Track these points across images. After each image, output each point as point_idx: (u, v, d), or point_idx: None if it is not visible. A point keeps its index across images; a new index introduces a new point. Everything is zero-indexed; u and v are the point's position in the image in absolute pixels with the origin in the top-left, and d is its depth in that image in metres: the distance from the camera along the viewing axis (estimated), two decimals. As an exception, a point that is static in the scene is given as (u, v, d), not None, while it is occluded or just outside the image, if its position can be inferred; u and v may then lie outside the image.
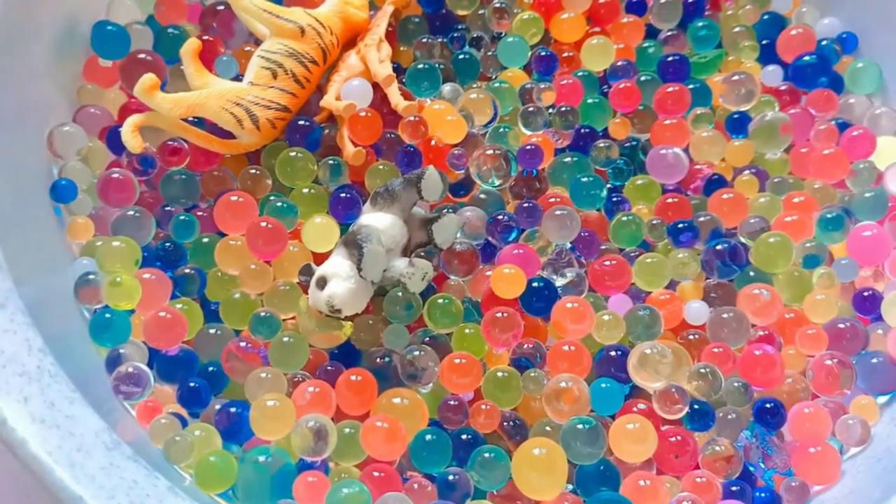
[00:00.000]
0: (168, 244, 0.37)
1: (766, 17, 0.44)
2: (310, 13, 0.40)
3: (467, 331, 0.35)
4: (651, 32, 0.44)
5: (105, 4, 0.42)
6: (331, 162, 0.39)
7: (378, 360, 0.35)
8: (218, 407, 0.34)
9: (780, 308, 0.36)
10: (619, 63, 0.42)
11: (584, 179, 0.38)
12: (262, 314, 0.35)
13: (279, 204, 0.37)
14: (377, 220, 0.36)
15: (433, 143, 0.39)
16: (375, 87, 0.40)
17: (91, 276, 0.36)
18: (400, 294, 0.35)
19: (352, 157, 0.38)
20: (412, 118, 0.39)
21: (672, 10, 0.43)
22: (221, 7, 0.42)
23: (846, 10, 0.44)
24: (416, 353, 0.34)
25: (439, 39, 0.43)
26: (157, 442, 0.33)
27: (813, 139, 0.41)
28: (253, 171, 0.39)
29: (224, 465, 0.32)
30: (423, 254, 0.37)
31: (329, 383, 0.34)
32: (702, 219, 0.38)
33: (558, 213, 0.37)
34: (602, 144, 0.40)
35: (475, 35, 0.44)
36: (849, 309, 0.38)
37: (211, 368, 0.35)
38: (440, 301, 0.36)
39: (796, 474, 0.34)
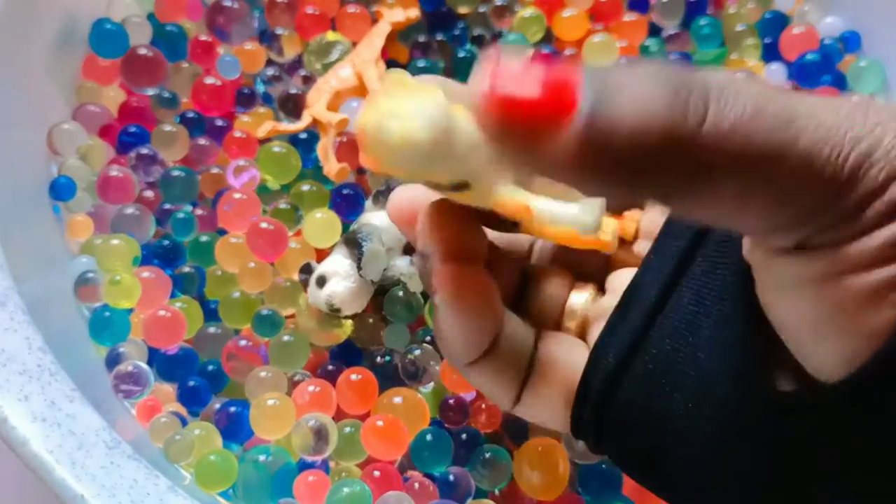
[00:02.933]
0: (167, 242, 0.37)
1: (768, 15, 0.44)
2: None
3: (468, 330, 0.35)
4: (654, 30, 0.44)
5: (104, 2, 0.42)
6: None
7: (379, 359, 0.35)
8: (218, 406, 0.34)
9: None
10: (622, 61, 0.42)
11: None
12: (265, 312, 0.35)
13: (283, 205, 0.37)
14: (378, 219, 0.36)
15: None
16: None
17: (90, 275, 0.36)
18: (400, 293, 0.35)
19: (335, 174, 0.38)
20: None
21: (675, 8, 0.43)
22: (228, 3, 0.42)
23: (849, 8, 0.44)
24: (417, 352, 0.34)
25: (439, 38, 0.43)
26: (156, 441, 0.33)
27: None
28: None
29: (224, 465, 0.32)
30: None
31: (330, 382, 0.34)
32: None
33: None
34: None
35: (476, 33, 0.43)
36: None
37: (211, 367, 0.35)
38: (441, 300, 0.35)
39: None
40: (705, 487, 0.21)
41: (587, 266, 0.27)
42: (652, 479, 0.23)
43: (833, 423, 0.18)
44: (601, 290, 0.26)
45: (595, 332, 0.24)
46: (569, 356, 0.24)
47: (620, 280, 0.26)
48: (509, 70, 0.15)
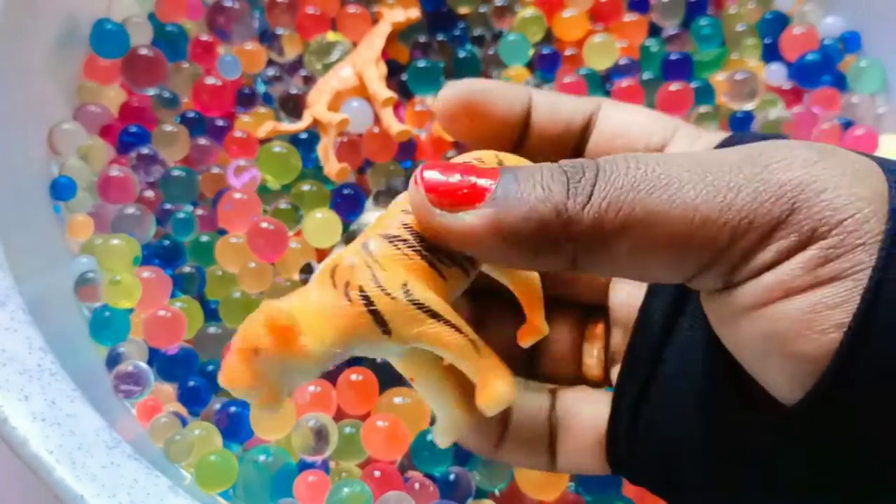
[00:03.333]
0: (167, 242, 0.37)
1: (768, 15, 0.44)
2: None
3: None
4: (654, 31, 0.44)
5: (105, 2, 0.42)
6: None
7: (379, 359, 0.35)
8: (218, 406, 0.34)
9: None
10: (622, 61, 0.42)
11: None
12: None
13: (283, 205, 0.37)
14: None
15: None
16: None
17: (91, 275, 0.36)
18: (401, 293, 0.35)
19: (336, 174, 0.38)
20: (419, 108, 0.39)
21: (675, 9, 0.43)
22: (228, 3, 0.42)
23: (849, 8, 0.44)
24: (418, 352, 0.34)
25: (439, 38, 0.43)
26: (157, 441, 0.33)
27: (816, 138, 0.41)
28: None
29: (224, 465, 0.32)
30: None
31: (330, 382, 0.34)
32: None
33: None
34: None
35: (476, 33, 0.43)
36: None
37: (211, 367, 0.35)
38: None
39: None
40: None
41: (586, 289, 0.27)
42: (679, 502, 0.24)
43: (799, 440, 0.19)
44: (605, 310, 0.27)
45: (616, 371, 0.25)
46: (587, 404, 0.25)
47: (620, 301, 0.26)
48: (439, 169, 0.19)
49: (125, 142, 0.39)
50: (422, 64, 0.41)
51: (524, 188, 0.18)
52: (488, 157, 0.21)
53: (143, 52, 0.40)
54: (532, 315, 0.23)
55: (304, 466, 0.33)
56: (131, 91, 0.41)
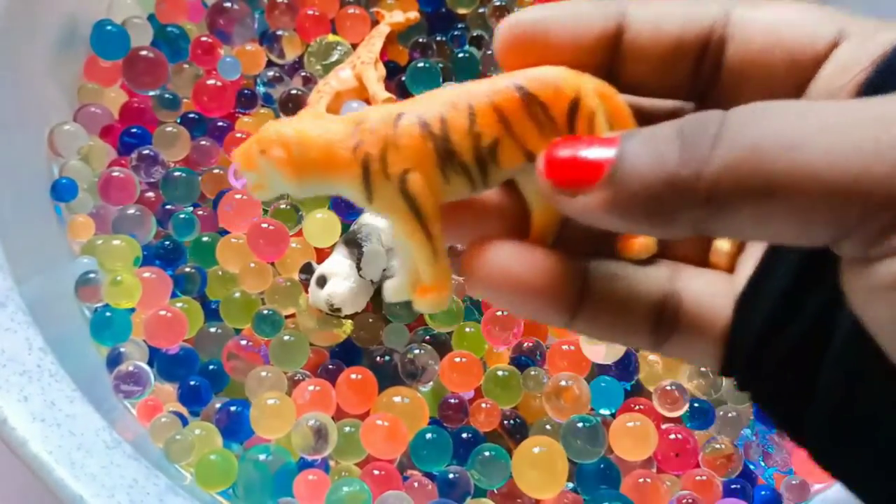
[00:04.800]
0: (168, 243, 0.37)
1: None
2: None
3: (468, 329, 0.35)
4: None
5: (105, 4, 0.42)
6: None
7: (378, 358, 0.35)
8: (218, 405, 0.34)
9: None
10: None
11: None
12: (265, 312, 0.35)
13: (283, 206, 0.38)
14: (378, 219, 0.36)
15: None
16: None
17: (91, 275, 0.36)
18: (400, 293, 0.35)
19: None
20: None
21: (673, 9, 0.43)
22: (228, 4, 0.42)
23: (848, 9, 0.44)
24: (417, 351, 0.34)
25: (438, 38, 0.43)
26: (157, 441, 0.33)
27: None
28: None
29: (224, 464, 0.32)
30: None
31: (329, 382, 0.34)
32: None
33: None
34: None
35: (475, 34, 0.44)
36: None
37: (211, 367, 0.35)
38: (441, 300, 0.35)
39: (797, 472, 0.34)
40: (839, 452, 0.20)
41: None
42: (798, 429, 0.21)
43: None
44: None
45: (746, 265, 0.22)
46: (718, 296, 0.22)
47: None
48: (559, 147, 0.18)
49: (126, 143, 0.39)
50: (421, 64, 0.41)
51: (640, 157, 0.17)
52: (553, 73, 0.20)
53: (144, 53, 0.40)
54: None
55: (303, 465, 0.33)
56: (132, 92, 0.41)
